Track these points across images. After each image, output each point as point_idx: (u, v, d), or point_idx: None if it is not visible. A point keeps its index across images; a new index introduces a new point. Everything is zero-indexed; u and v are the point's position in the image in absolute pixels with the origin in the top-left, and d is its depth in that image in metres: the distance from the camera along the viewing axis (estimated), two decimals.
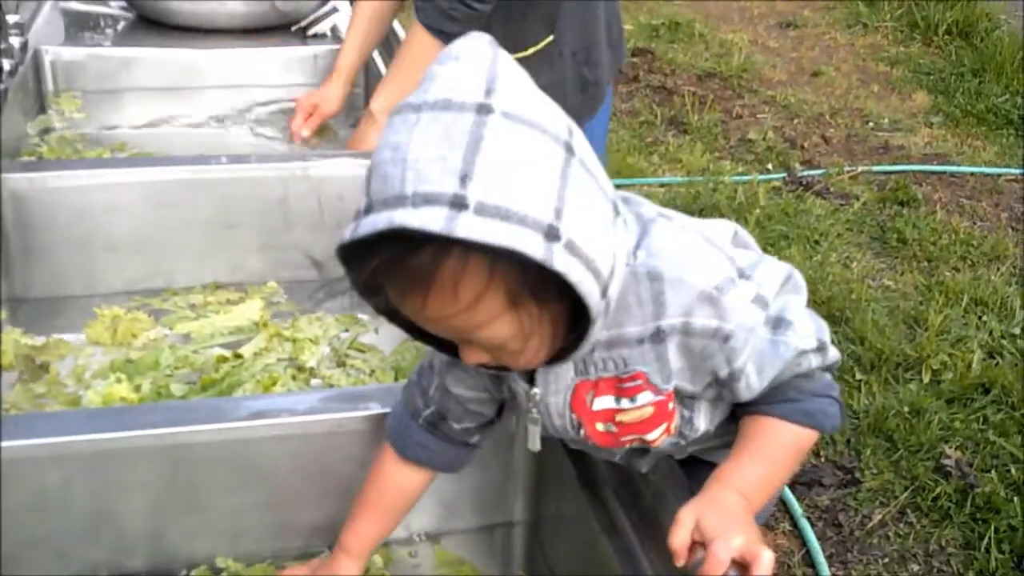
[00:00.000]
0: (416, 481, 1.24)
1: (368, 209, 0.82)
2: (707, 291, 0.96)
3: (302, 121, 2.22)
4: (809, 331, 1.03)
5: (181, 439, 1.23)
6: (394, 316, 0.94)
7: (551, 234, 0.81)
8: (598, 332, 0.92)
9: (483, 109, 0.82)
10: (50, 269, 1.86)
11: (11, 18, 2.00)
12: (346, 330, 1.83)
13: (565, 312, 0.90)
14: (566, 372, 1.02)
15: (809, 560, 2.30)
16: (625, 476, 1.16)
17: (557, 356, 0.96)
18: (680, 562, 0.92)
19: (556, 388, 1.04)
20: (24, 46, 2.09)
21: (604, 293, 0.88)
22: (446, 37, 1.91)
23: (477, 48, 0.86)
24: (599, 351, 0.99)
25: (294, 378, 1.68)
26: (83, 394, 1.62)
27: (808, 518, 2.41)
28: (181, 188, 1.87)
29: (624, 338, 0.98)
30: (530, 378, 1.05)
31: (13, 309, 1.84)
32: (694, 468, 1.16)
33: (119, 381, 1.60)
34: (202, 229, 1.90)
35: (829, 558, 2.31)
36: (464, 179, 0.79)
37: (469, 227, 0.79)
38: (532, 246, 0.80)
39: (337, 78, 2.21)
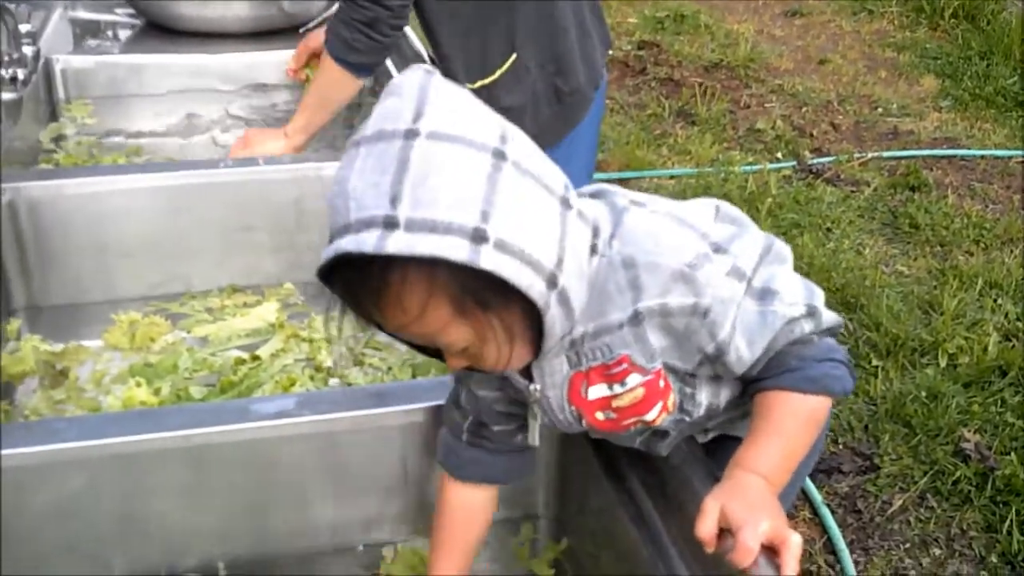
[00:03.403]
0: (480, 501, 1.26)
1: (330, 240, 0.90)
2: (680, 269, 0.98)
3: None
4: (798, 298, 1.04)
5: (206, 440, 1.24)
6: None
7: (477, 236, 0.86)
8: (562, 325, 0.96)
9: (410, 134, 0.87)
10: (67, 276, 1.87)
11: (23, 27, 2.01)
12: (362, 329, 1.84)
13: (520, 312, 0.93)
14: (560, 366, 1.06)
15: (831, 547, 2.30)
16: (651, 466, 1.16)
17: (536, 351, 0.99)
18: (710, 549, 0.92)
19: (552, 382, 1.07)
20: (37, 55, 2.10)
21: (553, 283, 0.91)
22: (353, 68, 1.94)
23: (411, 79, 0.91)
24: (588, 342, 1.03)
25: (312, 378, 1.68)
26: (103, 399, 1.63)
27: (828, 505, 2.40)
28: (196, 192, 1.88)
29: (607, 326, 1.01)
30: (529, 375, 1.08)
31: (32, 316, 1.85)
32: (721, 444, 1.17)
33: (138, 385, 1.61)
34: (217, 232, 1.91)
35: (850, 544, 2.31)
36: (394, 200, 0.85)
37: (398, 243, 0.85)
38: (457, 251, 0.85)
39: None
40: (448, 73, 1.92)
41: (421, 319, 0.91)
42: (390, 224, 0.85)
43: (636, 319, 1.00)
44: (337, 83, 1.97)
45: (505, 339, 0.95)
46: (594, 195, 1.07)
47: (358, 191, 0.87)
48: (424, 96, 0.89)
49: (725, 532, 0.92)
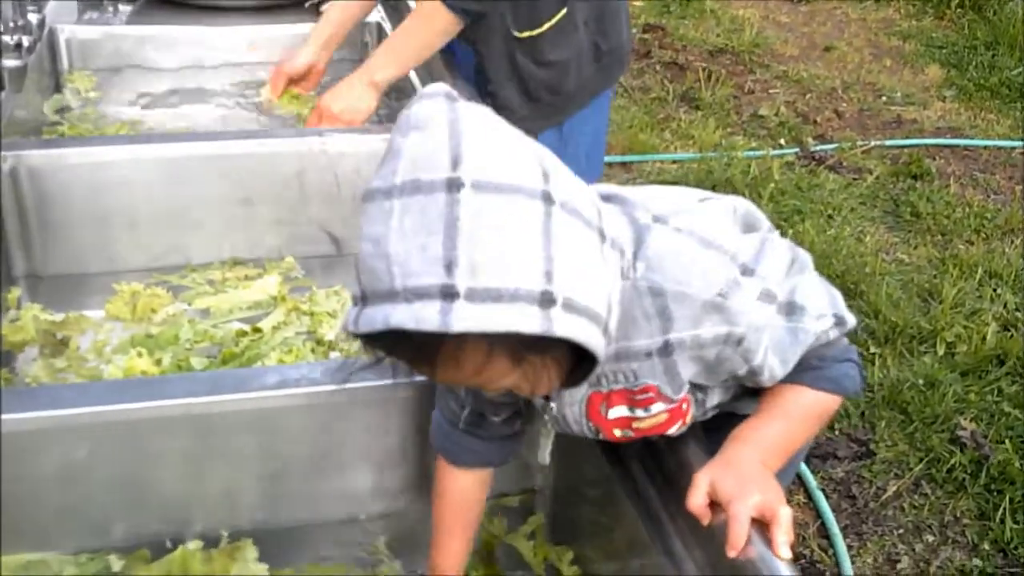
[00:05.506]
0: (477, 482, 1.25)
1: (364, 299, 0.82)
2: (711, 300, 0.95)
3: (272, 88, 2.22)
4: (825, 309, 1.04)
5: (208, 408, 1.24)
6: None
7: (546, 300, 0.79)
8: (604, 357, 0.90)
9: (453, 185, 0.78)
10: (69, 246, 1.87)
11: None
12: None
13: (569, 351, 0.87)
14: (580, 386, 1.01)
15: (824, 532, 2.31)
16: (648, 443, 1.16)
17: (569, 382, 0.95)
18: (704, 521, 0.93)
19: (571, 400, 1.06)
20: (42, 23, 2.10)
21: (606, 330, 0.87)
22: (466, 15, 1.92)
23: (436, 110, 0.82)
24: (608, 364, 0.98)
25: (313, 351, 1.69)
26: (104, 368, 1.63)
27: (823, 490, 2.41)
28: (198, 164, 1.88)
29: (632, 351, 0.98)
30: (546, 395, 1.05)
31: (33, 286, 1.85)
32: (724, 421, 1.18)
33: (140, 355, 1.61)
34: (219, 205, 1.91)
35: (844, 529, 2.32)
36: (449, 267, 0.77)
37: (464, 318, 0.77)
38: (530, 321, 0.79)
39: (305, 44, 2.22)
40: (492, 17, 1.94)
41: (477, 376, 0.86)
42: (449, 294, 0.77)
43: (666, 349, 0.97)
44: (444, 31, 1.96)
45: (555, 375, 0.91)
46: (608, 198, 1.00)
47: (402, 255, 0.78)
48: (457, 134, 0.80)
49: (718, 505, 0.93)
